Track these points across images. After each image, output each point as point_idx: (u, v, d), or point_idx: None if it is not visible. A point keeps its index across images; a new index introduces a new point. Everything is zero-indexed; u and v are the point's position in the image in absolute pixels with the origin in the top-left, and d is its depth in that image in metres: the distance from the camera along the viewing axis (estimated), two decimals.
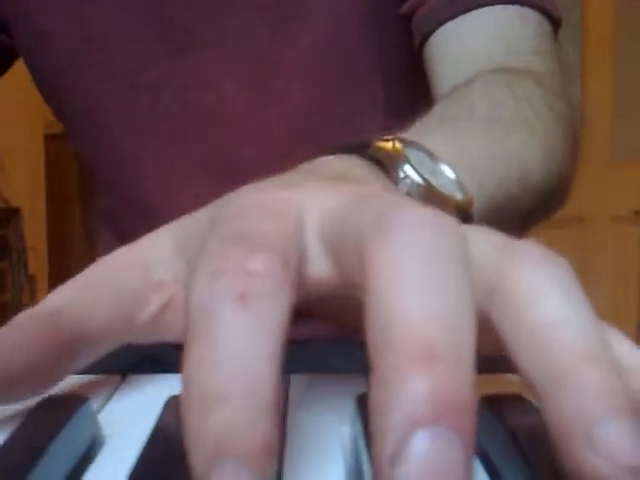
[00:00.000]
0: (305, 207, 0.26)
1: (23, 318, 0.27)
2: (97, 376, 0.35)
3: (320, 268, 0.26)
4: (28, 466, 0.21)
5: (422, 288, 0.20)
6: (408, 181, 0.38)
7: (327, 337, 0.67)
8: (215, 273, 0.21)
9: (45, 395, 0.27)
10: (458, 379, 0.18)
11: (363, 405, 0.27)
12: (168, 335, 0.32)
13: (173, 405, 0.28)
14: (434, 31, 0.65)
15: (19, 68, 0.80)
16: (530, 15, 0.65)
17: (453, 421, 0.18)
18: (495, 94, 0.54)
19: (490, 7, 0.64)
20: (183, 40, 0.70)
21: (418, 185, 0.38)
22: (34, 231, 2.50)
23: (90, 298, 0.29)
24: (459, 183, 0.41)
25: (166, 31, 0.70)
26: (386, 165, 0.38)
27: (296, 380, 0.33)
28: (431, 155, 0.41)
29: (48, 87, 0.77)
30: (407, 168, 0.38)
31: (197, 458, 0.19)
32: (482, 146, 0.48)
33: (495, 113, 0.52)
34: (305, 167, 0.34)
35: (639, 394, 0.22)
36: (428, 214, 0.22)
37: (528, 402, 0.28)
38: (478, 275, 0.23)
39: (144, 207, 0.72)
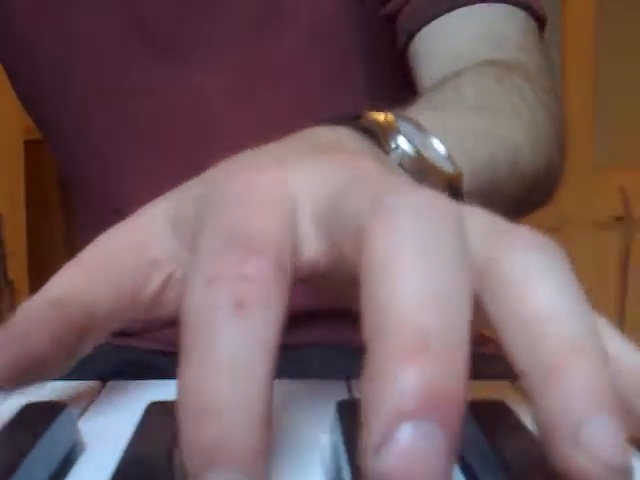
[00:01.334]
0: (297, 189, 0.26)
1: (32, 307, 0.28)
2: (77, 382, 0.35)
3: (313, 250, 0.26)
4: (8, 472, 0.21)
5: (419, 276, 0.20)
6: (400, 152, 0.37)
7: (312, 343, 0.67)
8: (211, 279, 0.21)
9: (25, 402, 0.27)
10: (449, 373, 0.18)
11: (343, 412, 0.27)
12: (167, 311, 0.31)
13: (153, 411, 0.28)
14: (419, 30, 0.65)
15: None
16: (515, 13, 0.65)
17: (439, 416, 0.18)
18: (484, 84, 0.54)
19: (475, 5, 0.64)
20: (167, 44, 0.69)
21: (410, 156, 0.37)
22: (14, 236, 2.49)
23: (92, 283, 0.29)
24: (449, 157, 0.40)
25: (149, 35, 0.69)
26: (378, 136, 0.37)
27: (277, 385, 0.33)
28: (421, 129, 0.40)
29: (30, 94, 0.77)
30: (400, 139, 0.38)
31: (192, 464, 0.20)
32: (470, 127, 0.47)
33: (483, 101, 0.51)
34: (295, 136, 0.33)
35: (626, 389, 0.23)
36: (427, 198, 0.22)
37: (509, 410, 0.28)
38: (471, 256, 0.22)
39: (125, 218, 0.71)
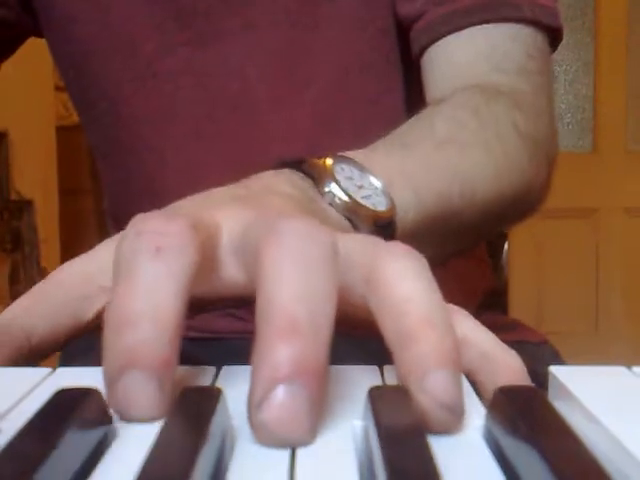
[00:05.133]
0: (219, 227, 0.35)
1: None
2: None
3: (231, 272, 0.35)
4: (37, 462, 0.21)
5: (291, 279, 0.27)
6: (331, 194, 0.45)
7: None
8: (138, 233, 0.29)
9: (57, 388, 0.27)
10: (313, 349, 0.26)
11: (376, 398, 0.27)
12: None
13: (186, 396, 0.28)
14: (430, 45, 0.68)
15: (31, 59, 0.80)
16: (522, 32, 0.67)
17: (304, 381, 0.25)
18: (459, 117, 0.59)
19: (483, 25, 0.66)
20: (204, 27, 0.70)
21: (340, 198, 0.45)
22: (46, 224, 2.51)
23: (32, 311, 0.36)
24: (385, 192, 0.47)
25: (187, 18, 0.70)
26: (315, 179, 0.45)
27: None
28: (361, 168, 0.48)
29: (70, 73, 0.78)
30: (332, 185, 0.45)
31: (109, 368, 0.27)
32: (426, 163, 0.54)
33: (452, 135, 0.57)
34: (241, 182, 0.42)
35: (469, 361, 0.32)
36: (303, 224, 0.29)
37: (543, 396, 0.28)
38: (355, 268, 0.31)
39: (164, 202, 0.71)
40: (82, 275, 0.37)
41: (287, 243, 0.28)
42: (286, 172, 0.45)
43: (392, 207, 0.47)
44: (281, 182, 0.43)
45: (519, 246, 2.68)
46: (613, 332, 2.94)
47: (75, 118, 0.82)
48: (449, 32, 0.67)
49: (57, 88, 2.37)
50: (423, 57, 0.69)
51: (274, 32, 0.70)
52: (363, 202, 0.46)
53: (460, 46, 0.67)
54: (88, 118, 0.80)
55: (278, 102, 0.71)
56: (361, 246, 0.32)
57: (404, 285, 0.29)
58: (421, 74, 0.69)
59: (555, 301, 2.96)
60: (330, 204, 0.45)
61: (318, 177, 0.45)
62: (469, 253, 0.81)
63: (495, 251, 0.98)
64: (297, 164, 0.46)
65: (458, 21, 0.67)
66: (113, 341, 0.27)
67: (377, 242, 0.32)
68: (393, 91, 0.73)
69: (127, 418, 0.27)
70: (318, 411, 0.26)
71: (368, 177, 0.47)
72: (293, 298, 0.26)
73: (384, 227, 0.46)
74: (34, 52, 0.84)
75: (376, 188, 0.47)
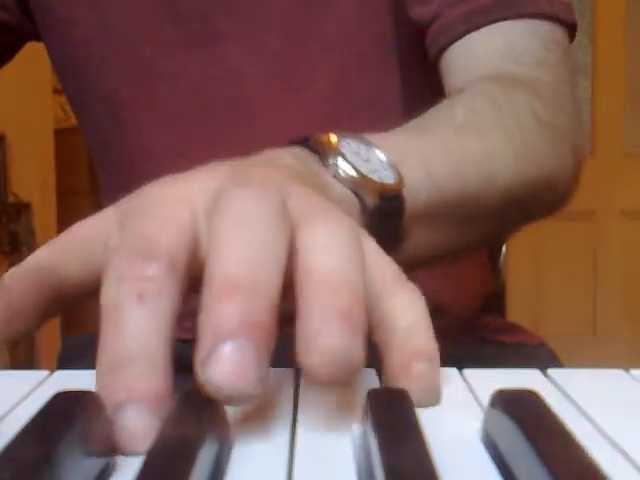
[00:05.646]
0: (193, 202, 0.34)
1: (14, 272, 0.36)
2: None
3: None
4: (41, 463, 0.21)
5: (235, 242, 0.29)
6: (335, 167, 0.45)
7: None
8: (120, 280, 0.30)
9: (54, 391, 0.27)
10: (255, 305, 0.27)
11: (374, 401, 0.26)
12: None
13: (184, 401, 0.28)
14: (448, 46, 0.67)
15: (29, 62, 0.80)
16: (540, 27, 0.67)
17: (249, 334, 0.26)
18: (478, 106, 0.59)
19: (501, 23, 0.66)
20: (202, 30, 0.70)
21: (344, 171, 0.45)
22: (44, 226, 2.50)
23: (64, 259, 0.37)
24: (392, 166, 0.47)
25: (185, 21, 0.70)
26: (320, 154, 0.45)
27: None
28: (367, 143, 0.48)
29: (68, 76, 0.78)
30: (338, 158, 0.45)
31: (110, 404, 0.27)
32: (441, 146, 0.54)
33: (471, 122, 0.57)
34: (248, 158, 0.42)
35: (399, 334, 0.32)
36: (250, 189, 0.31)
37: (542, 400, 0.28)
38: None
39: None
40: (99, 234, 0.37)
41: (229, 211, 0.30)
42: (291, 148, 0.45)
43: (400, 180, 0.47)
44: (284, 156, 0.43)
45: (517, 248, 2.69)
46: (611, 335, 2.94)
47: (73, 121, 0.82)
48: (468, 31, 0.66)
49: (55, 91, 2.38)
50: (442, 58, 0.68)
51: (271, 34, 0.70)
52: (369, 175, 0.46)
53: (479, 44, 0.66)
54: (85, 120, 0.80)
55: (275, 104, 0.71)
56: (301, 208, 0.33)
57: (322, 253, 0.30)
58: (440, 75, 0.69)
59: (553, 303, 2.96)
60: (335, 177, 0.45)
61: (323, 151, 0.46)
62: (471, 256, 0.81)
63: (493, 253, 0.98)
64: (303, 142, 0.46)
65: (477, 20, 0.66)
66: (108, 380, 0.28)
67: (313, 208, 0.34)
68: (392, 94, 0.73)
69: (127, 452, 0.26)
70: (265, 365, 0.26)
71: (374, 151, 0.47)
72: (232, 262, 0.28)
73: (391, 200, 0.46)
74: (33, 55, 0.84)
75: (382, 162, 0.47)
